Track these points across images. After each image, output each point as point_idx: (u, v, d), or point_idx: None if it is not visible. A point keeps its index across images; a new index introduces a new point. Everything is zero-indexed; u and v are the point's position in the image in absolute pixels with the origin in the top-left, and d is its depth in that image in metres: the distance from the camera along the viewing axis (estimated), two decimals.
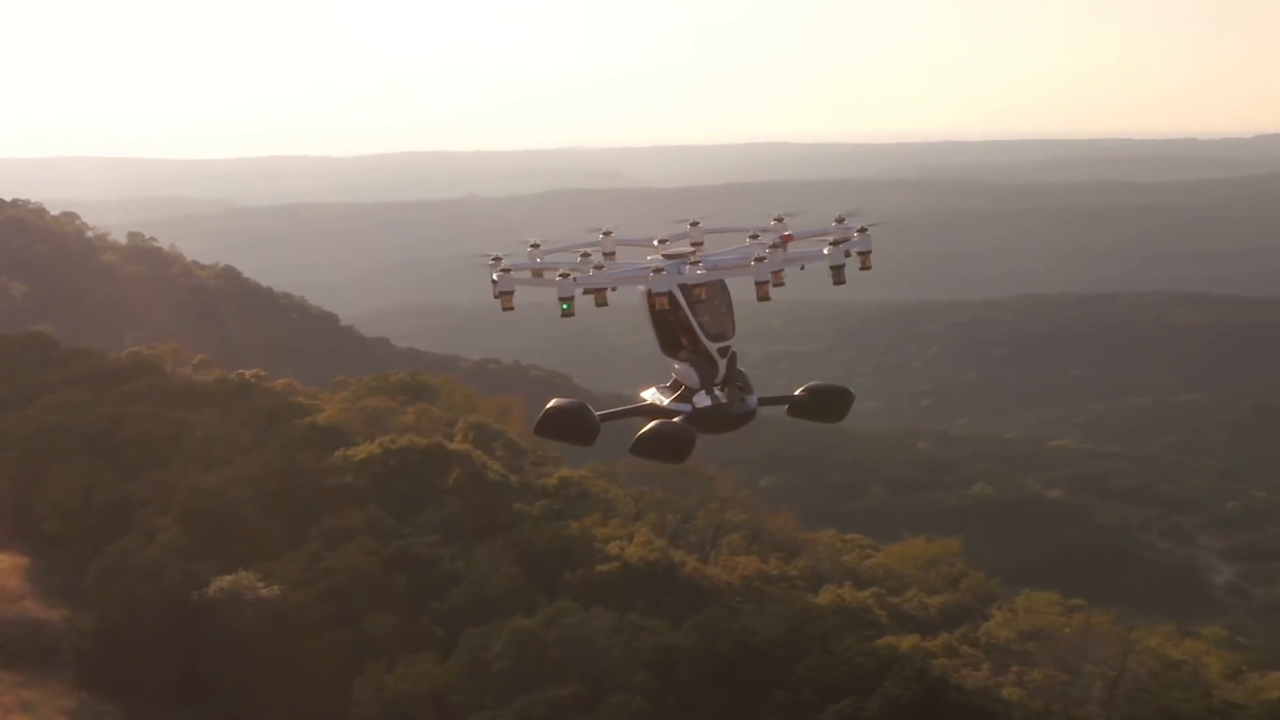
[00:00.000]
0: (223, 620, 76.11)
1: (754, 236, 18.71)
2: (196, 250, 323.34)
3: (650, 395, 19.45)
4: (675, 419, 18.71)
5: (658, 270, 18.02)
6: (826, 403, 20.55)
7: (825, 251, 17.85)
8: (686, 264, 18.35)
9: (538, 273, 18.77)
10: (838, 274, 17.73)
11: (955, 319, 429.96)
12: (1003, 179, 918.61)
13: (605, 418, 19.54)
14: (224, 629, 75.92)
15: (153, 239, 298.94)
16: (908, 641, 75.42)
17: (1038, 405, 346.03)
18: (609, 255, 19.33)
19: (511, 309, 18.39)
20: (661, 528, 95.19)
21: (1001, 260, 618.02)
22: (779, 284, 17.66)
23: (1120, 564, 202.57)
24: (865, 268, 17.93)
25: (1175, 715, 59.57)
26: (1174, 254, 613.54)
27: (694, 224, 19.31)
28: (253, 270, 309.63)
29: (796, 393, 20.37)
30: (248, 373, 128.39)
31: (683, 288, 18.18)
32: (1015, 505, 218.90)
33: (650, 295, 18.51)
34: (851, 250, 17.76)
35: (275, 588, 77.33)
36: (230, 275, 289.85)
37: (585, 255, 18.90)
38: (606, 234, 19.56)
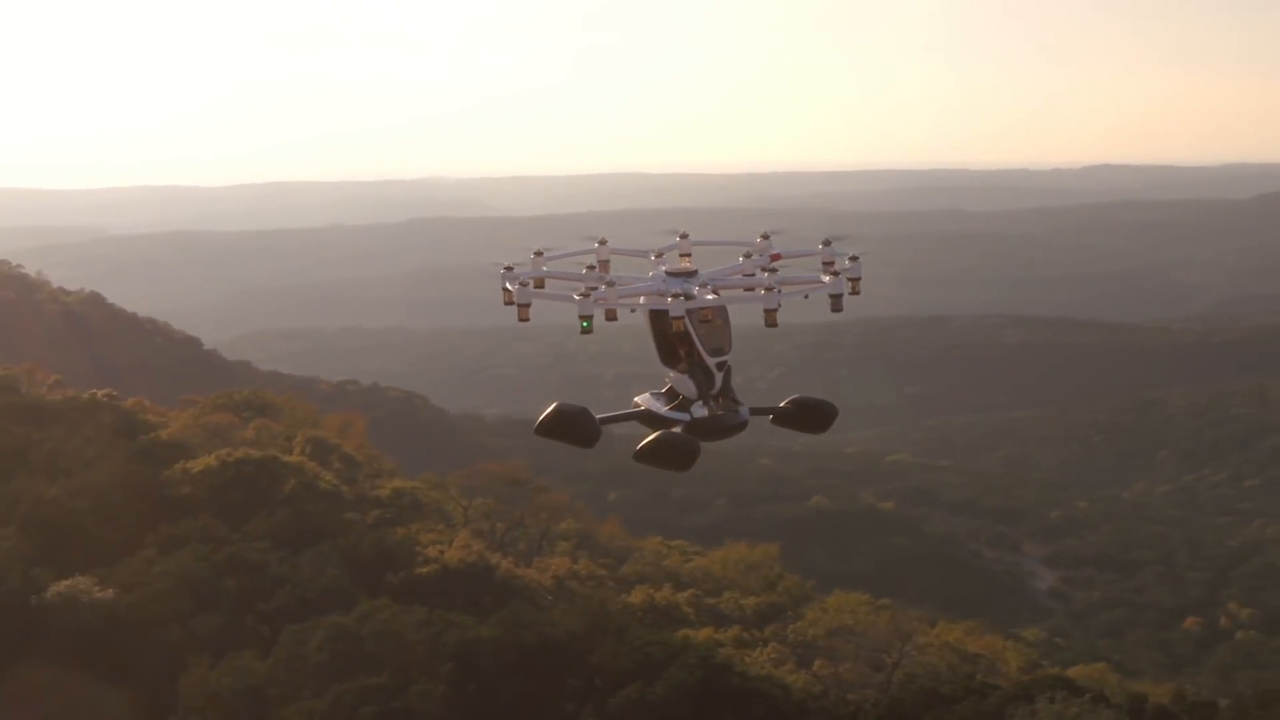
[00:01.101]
0: (59, 622, 75.98)
1: (747, 255, 18.90)
2: (66, 278, 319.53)
3: (645, 400, 19.57)
4: (675, 428, 18.84)
5: (676, 295, 17.95)
6: (811, 414, 20.65)
7: (826, 279, 18.06)
8: (696, 285, 18.30)
9: (540, 282, 18.74)
10: (836, 302, 18.04)
11: (799, 341, 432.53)
12: (846, 207, 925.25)
13: (604, 421, 19.62)
14: (60, 630, 75.82)
15: (20, 266, 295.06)
16: (703, 634, 76.67)
17: (876, 422, 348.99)
18: (603, 265, 19.30)
19: (527, 320, 18.35)
20: (490, 534, 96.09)
21: None
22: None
23: (949, 571, 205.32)
24: (855, 293, 18.26)
25: (937, 694, 61.40)
26: (1006, 279, 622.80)
27: (683, 236, 19.27)
28: (122, 297, 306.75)
29: (782, 404, 20.34)
30: (99, 392, 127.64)
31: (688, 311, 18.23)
32: (850, 516, 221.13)
33: (655, 310, 18.58)
34: (846, 277, 18.07)
35: (110, 591, 77.37)
36: (96, 301, 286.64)
37: (590, 268, 19.06)
38: (601, 243, 19.43)
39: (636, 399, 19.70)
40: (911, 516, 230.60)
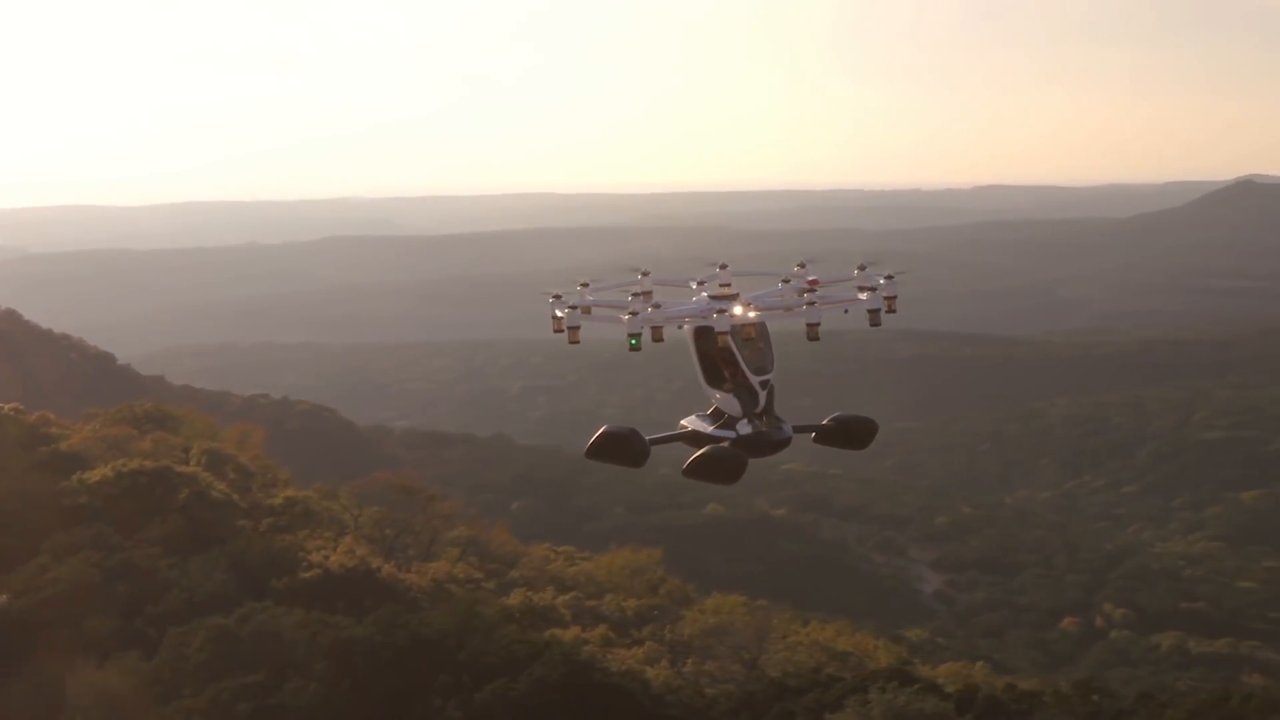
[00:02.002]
0: None
1: (786, 280, 19.52)
2: None
3: (691, 422, 20.08)
4: (722, 444, 19.25)
5: (721, 311, 18.56)
6: (852, 431, 21.26)
7: (864, 297, 18.78)
8: (738, 304, 18.84)
9: (586, 309, 19.24)
10: (874, 317, 18.77)
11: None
12: (747, 226, 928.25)
13: (654, 442, 20.12)
14: None
15: None
16: (570, 634, 77.03)
17: None
18: (646, 294, 19.62)
19: (578, 342, 18.96)
20: (381, 540, 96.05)
21: None
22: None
23: (839, 575, 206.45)
24: (891, 310, 19.01)
25: (785, 687, 62.13)
26: (899, 295, 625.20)
27: (722, 267, 19.80)
28: (41, 314, 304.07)
29: (824, 422, 20.96)
30: (5, 406, 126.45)
31: (733, 326, 18.73)
32: (745, 523, 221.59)
33: (699, 332, 19.13)
34: (883, 295, 18.85)
35: (3, 596, 76.98)
36: (12, 318, 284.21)
37: (635, 295, 19.45)
38: (644, 275, 19.84)
39: (683, 421, 20.27)
40: (803, 523, 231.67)
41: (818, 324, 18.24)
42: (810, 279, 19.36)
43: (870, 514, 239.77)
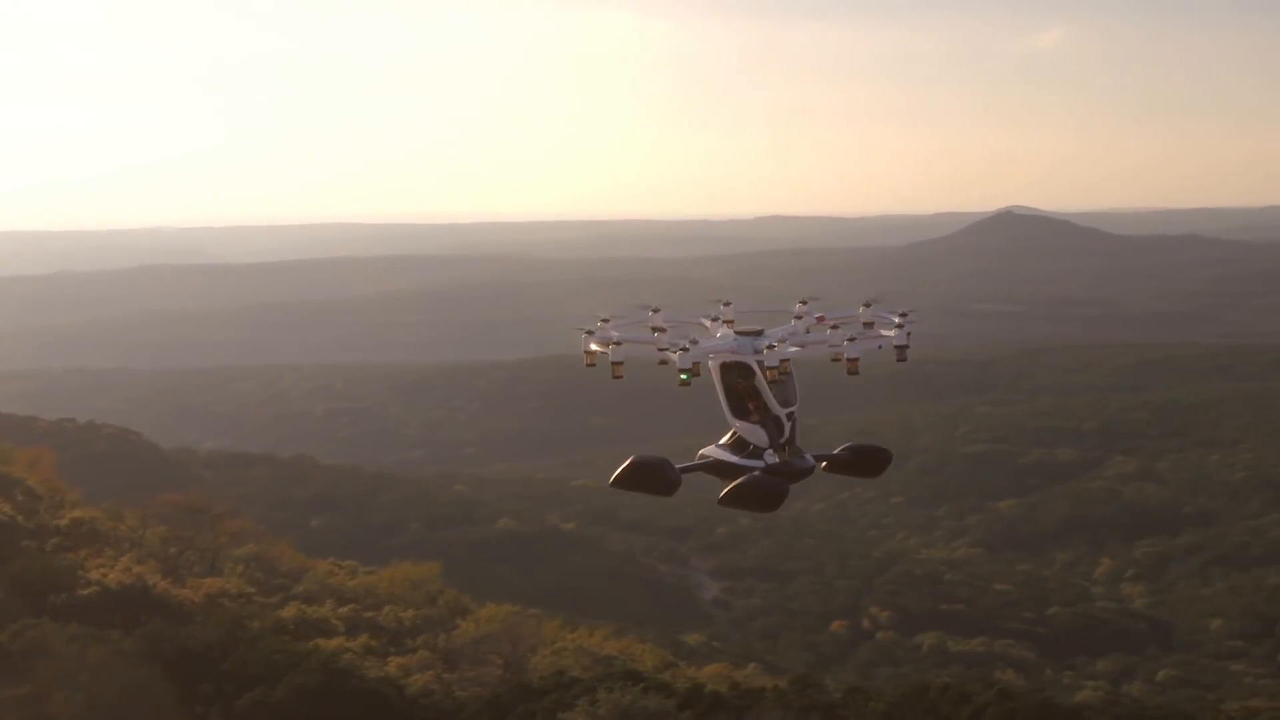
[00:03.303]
0: None
1: (798, 317, 18.73)
2: None
3: (713, 452, 18.97)
4: (754, 473, 18.29)
5: (770, 347, 17.84)
6: (866, 460, 19.79)
7: (891, 334, 18.00)
8: (766, 342, 18.15)
9: (605, 344, 18.56)
10: (901, 353, 17.92)
11: (496, 377, 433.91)
12: (544, 255, 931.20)
13: (683, 471, 18.94)
14: None
15: None
16: (334, 643, 76.71)
17: (566, 451, 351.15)
18: (659, 330, 19.09)
19: (621, 377, 18.19)
20: (165, 559, 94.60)
21: (538, 325, 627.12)
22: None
23: (625, 584, 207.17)
24: (907, 345, 18.11)
25: (530, 689, 62.61)
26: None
27: (726, 304, 19.17)
28: None
29: (836, 451, 19.49)
30: None
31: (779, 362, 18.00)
32: (536, 537, 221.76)
33: (727, 366, 18.27)
34: (905, 331, 18.02)
35: None
36: None
37: (655, 330, 18.94)
38: (655, 311, 19.35)
39: (703, 451, 19.14)
40: (592, 535, 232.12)
41: (857, 360, 17.50)
42: (817, 315, 18.92)
43: (656, 526, 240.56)
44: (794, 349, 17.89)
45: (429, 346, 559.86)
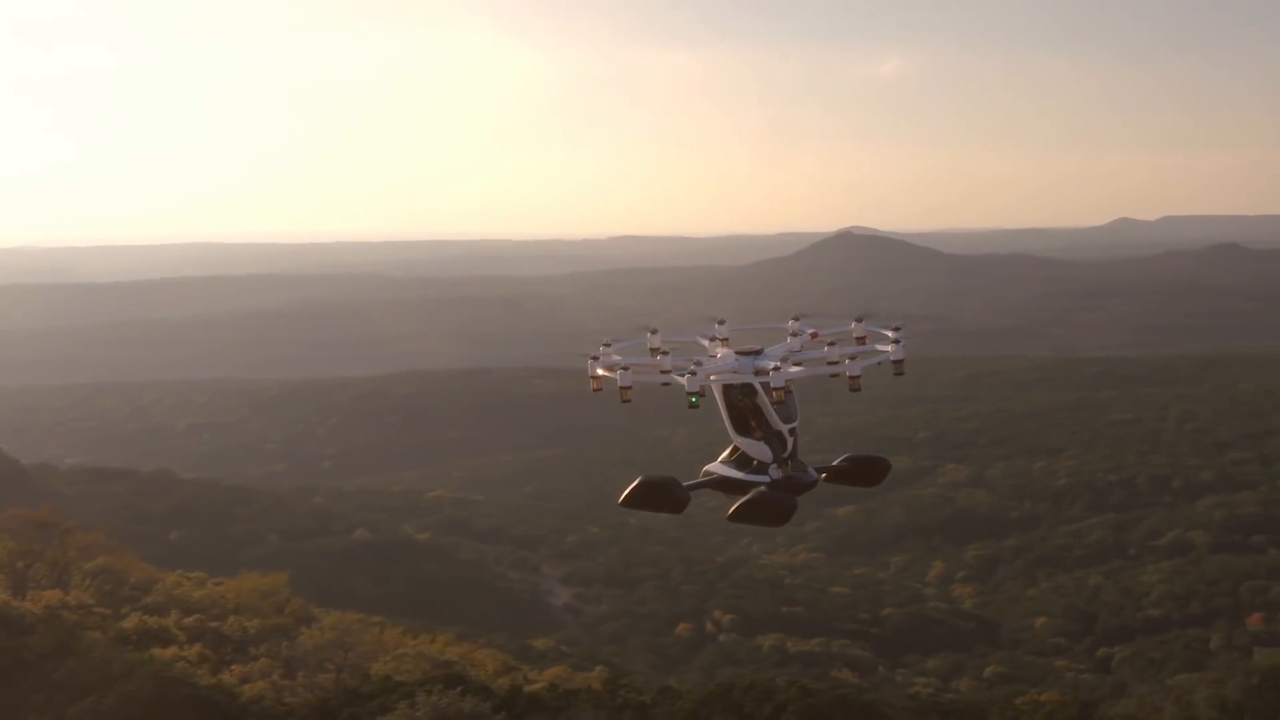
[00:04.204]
0: None
1: (793, 334, 18.46)
2: None
3: (718, 469, 18.71)
4: (761, 488, 18.06)
5: (775, 368, 17.36)
6: (865, 470, 19.56)
7: (889, 349, 17.81)
8: (768, 361, 17.75)
9: (611, 368, 18.12)
10: (899, 367, 17.79)
11: (356, 392, 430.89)
12: (402, 274, 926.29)
13: (690, 488, 18.72)
14: None
15: None
16: (169, 652, 75.28)
17: (423, 463, 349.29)
18: (661, 352, 18.51)
19: (630, 400, 17.63)
20: (12, 573, 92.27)
21: (396, 342, 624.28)
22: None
23: (478, 592, 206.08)
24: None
25: (358, 693, 62.11)
26: (538, 334, 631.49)
27: (720, 322, 18.78)
28: None
29: (836, 462, 19.23)
30: None
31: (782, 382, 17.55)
32: (391, 546, 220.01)
33: (729, 385, 17.91)
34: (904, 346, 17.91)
35: None
36: None
37: (654, 352, 18.44)
38: (653, 333, 18.76)
39: (707, 467, 18.89)
40: (446, 545, 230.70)
41: (858, 377, 17.37)
42: (811, 331, 18.67)
43: (508, 535, 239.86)
44: (796, 369, 17.67)
45: (289, 363, 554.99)
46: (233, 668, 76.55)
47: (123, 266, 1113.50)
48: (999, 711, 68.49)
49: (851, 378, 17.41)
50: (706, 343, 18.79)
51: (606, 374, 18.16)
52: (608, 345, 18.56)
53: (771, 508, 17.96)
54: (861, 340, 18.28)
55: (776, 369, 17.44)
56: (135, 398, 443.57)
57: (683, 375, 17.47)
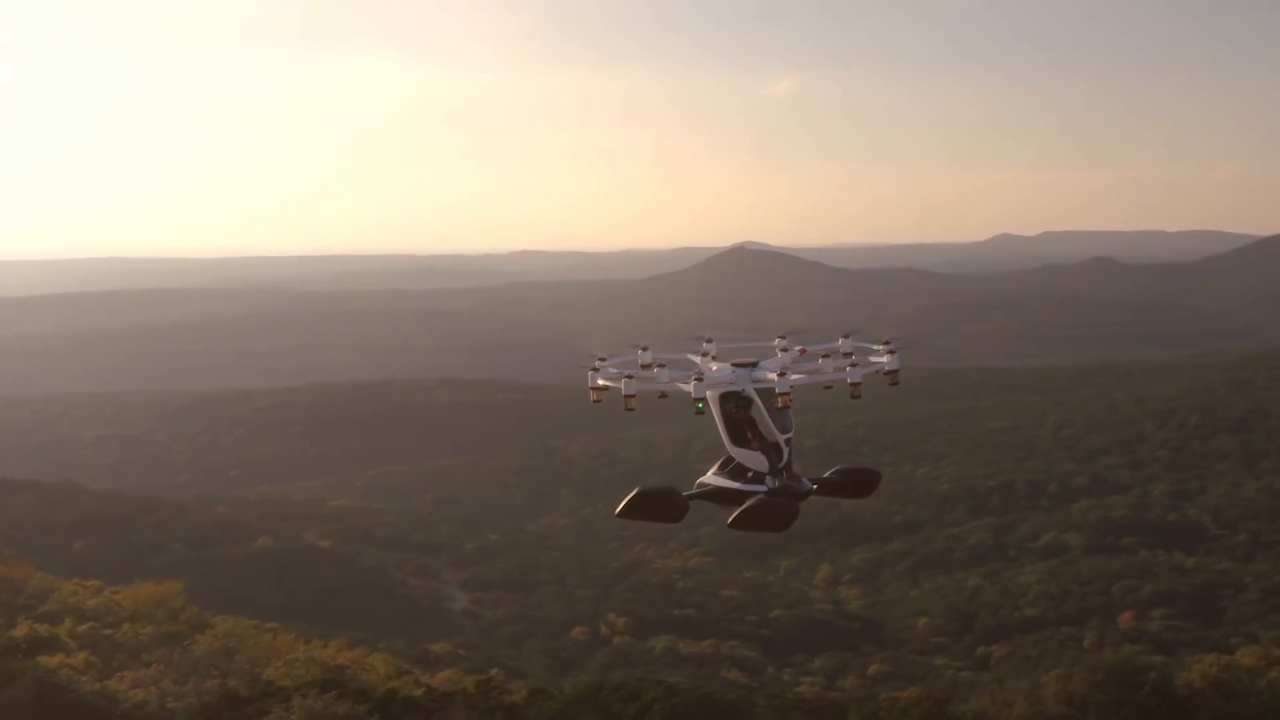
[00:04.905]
0: None
1: (784, 350, 18.44)
2: None
3: (712, 479, 18.55)
4: (761, 495, 17.89)
5: (781, 375, 17.32)
6: (856, 482, 19.38)
7: (885, 359, 17.84)
8: (765, 372, 17.79)
9: (615, 380, 18.07)
10: (894, 377, 17.86)
11: (261, 404, 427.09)
12: (305, 288, 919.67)
13: (688, 498, 18.59)
14: None
15: None
16: (55, 659, 74.11)
17: (327, 473, 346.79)
18: (645, 366, 18.43)
19: (634, 409, 17.70)
20: None
21: (301, 354, 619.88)
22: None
23: (378, 598, 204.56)
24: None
25: (238, 697, 61.37)
26: (442, 347, 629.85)
27: (708, 340, 18.78)
28: None
29: (828, 474, 19.11)
30: None
31: (767, 391, 17.69)
32: (293, 554, 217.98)
33: (725, 397, 17.89)
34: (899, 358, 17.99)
35: None
36: None
37: (656, 366, 18.24)
38: (644, 349, 18.65)
39: (701, 479, 18.73)
40: (348, 552, 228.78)
41: (860, 383, 17.48)
42: (799, 348, 18.62)
43: (409, 543, 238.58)
44: (798, 376, 17.60)
45: (196, 375, 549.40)
46: (123, 674, 75.37)
47: (28, 280, 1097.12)
48: (857, 709, 68.86)
49: (854, 384, 17.50)
50: (698, 359, 18.79)
51: (609, 384, 18.10)
52: (603, 360, 18.53)
53: (773, 513, 17.81)
54: (848, 355, 18.27)
55: (783, 375, 17.44)
56: (42, 410, 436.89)
57: (690, 384, 17.55)
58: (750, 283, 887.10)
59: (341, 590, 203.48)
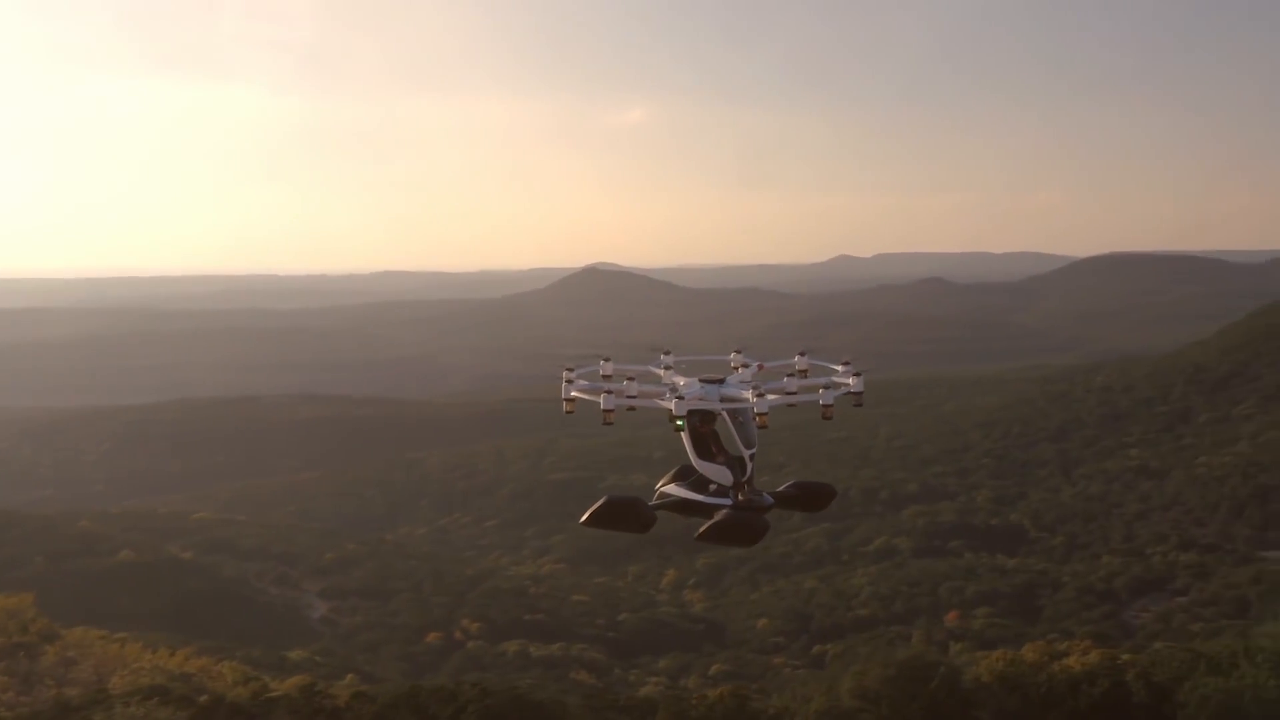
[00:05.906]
0: None
1: (745, 365, 17.98)
2: None
3: (674, 490, 17.89)
4: (728, 510, 17.37)
5: (760, 395, 16.83)
6: (812, 496, 18.58)
7: (850, 381, 17.42)
8: (735, 389, 17.30)
9: (592, 392, 17.33)
10: (859, 398, 17.43)
11: (126, 419, 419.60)
12: (170, 307, 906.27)
13: (653, 509, 17.83)
14: None
15: None
16: None
17: (190, 487, 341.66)
18: (625, 377, 17.69)
19: (612, 423, 16.73)
20: None
21: (168, 371, 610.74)
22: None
23: (239, 607, 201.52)
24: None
25: (68, 705, 60.06)
26: (302, 364, 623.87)
27: (666, 353, 18.19)
28: None
29: (783, 488, 18.34)
30: None
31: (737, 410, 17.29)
32: (154, 566, 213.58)
33: (692, 412, 17.30)
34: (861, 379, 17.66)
35: None
36: None
37: (629, 379, 17.41)
38: (606, 360, 18.00)
39: (663, 489, 18.00)
40: (209, 563, 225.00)
41: (832, 405, 17.05)
42: (758, 364, 18.10)
43: (269, 553, 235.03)
44: (774, 397, 17.04)
45: (60, 392, 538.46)
46: None
47: None
48: (667, 707, 69.00)
49: (825, 406, 17.14)
50: (661, 372, 18.28)
51: (583, 397, 17.33)
52: (571, 370, 17.76)
53: (744, 528, 17.33)
54: (804, 373, 18.03)
55: (761, 395, 17.00)
56: None
57: (671, 400, 16.99)
58: (601, 302, 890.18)
59: (202, 600, 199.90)
